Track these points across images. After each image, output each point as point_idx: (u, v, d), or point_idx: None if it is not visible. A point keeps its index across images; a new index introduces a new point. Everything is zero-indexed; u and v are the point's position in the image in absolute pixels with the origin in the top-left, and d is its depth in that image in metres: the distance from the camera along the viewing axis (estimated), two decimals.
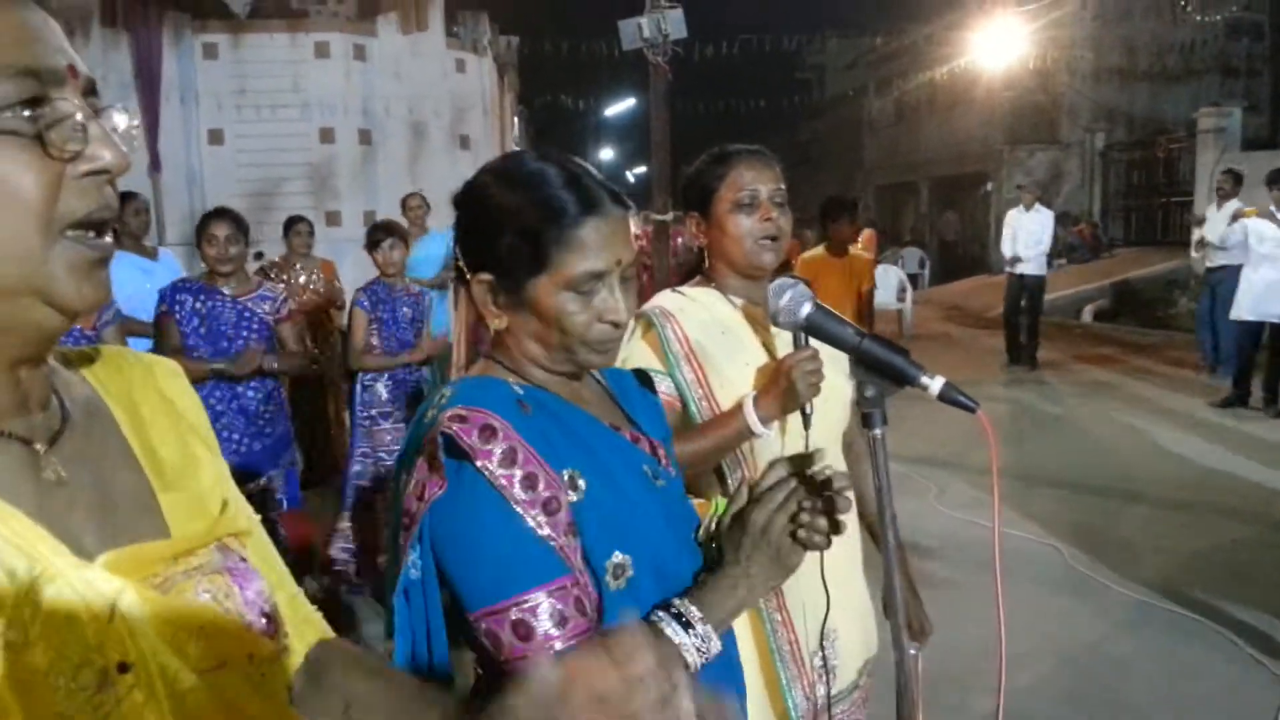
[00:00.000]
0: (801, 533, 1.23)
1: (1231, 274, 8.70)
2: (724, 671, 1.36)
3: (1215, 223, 9.18)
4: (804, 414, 1.74)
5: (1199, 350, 9.94)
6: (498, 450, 1.16)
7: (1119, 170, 20.34)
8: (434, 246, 6.90)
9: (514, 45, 15.88)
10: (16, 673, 0.65)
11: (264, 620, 0.85)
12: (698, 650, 1.19)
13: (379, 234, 4.98)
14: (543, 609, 1.14)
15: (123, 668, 0.71)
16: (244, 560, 0.87)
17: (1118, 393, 9.35)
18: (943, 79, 20.64)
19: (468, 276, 1.30)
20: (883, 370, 1.30)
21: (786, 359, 1.75)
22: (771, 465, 1.27)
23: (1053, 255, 12.32)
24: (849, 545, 1.97)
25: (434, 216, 7.67)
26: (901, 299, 13.07)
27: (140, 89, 10.95)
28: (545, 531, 1.16)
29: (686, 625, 1.20)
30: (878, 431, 1.31)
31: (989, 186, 21.81)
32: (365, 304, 4.87)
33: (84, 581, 0.71)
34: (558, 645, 1.14)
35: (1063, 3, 19.50)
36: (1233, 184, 9.33)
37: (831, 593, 1.59)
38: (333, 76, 11.55)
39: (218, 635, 0.80)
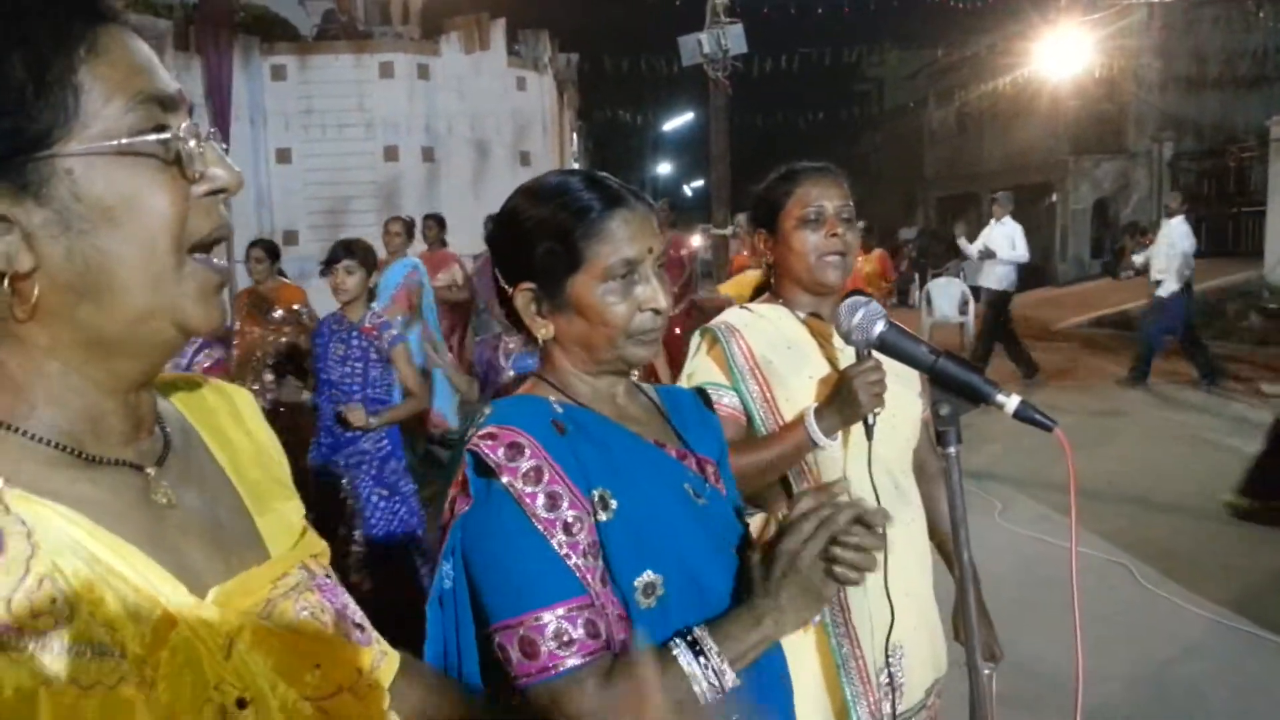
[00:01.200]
0: (838, 569, 1.20)
1: None
2: (768, 691, 1.36)
3: None
4: (866, 425, 1.74)
5: None
6: (523, 467, 1.20)
7: (1188, 180, 19.91)
8: (388, 275, 6.70)
9: (573, 62, 16.01)
10: (154, 711, 0.67)
11: (359, 630, 0.88)
12: (709, 682, 1.18)
13: (335, 251, 4.27)
14: (550, 628, 1.16)
15: (241, 703, 0.73)
16: (329, 576, 0.90)
17: (1187, 406, 9.13)
18: (1006, 89, 20.39)
19: (509, 292, 1.34)
20: (958, 389, 1.30)
21: (848, 370, 1.75)
22: (799, 496, 1.27)
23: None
24: (918, 561, 1.96)
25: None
26: (964, 312, 12.89)
27: (211, 110, 11.23)
28: (563, 551, 1.18)
29: (700, 654, 1.19)
30: (952, 450, 1.31)
31: (1054, 197, 21.47)
32: (317, 339, 4.32)
33: (202, 621, 0.73)
34: (563, 666, 1.16)
35: (1129, 11, 19.17)
36: None
37: (900, 608, 1.58)
38: (397, 96, 11.75)
39: (332, 662, 0.82)
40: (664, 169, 40.29)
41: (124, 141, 0.72)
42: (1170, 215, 10.16)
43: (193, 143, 0.76)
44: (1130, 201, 20.32)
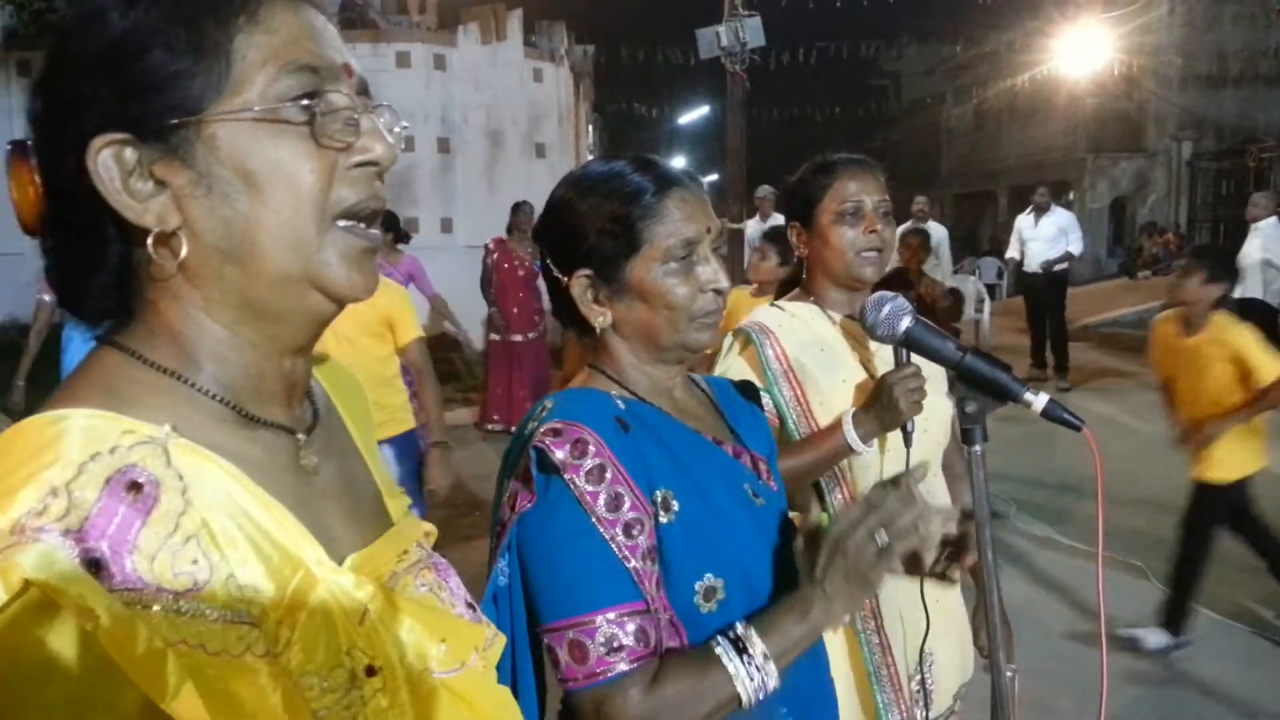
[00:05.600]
0: (888, 556, 1.15)
1: None
2: (814, 695, 1.34)
3: None
4: (905, 432, 1.70)
5: None
6: (587, 465, 1.17)
7: (1207, 179, 19.79)
8: None
9: (590, 54, 15.98)
10: (277, 675, 0.68)
11: (469, 609, 0.89)
12: (752, 680, 1.14)
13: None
14: (601, 632, 1.14)
15: (370, 671, 0.73)
16: (441, 556, 0.92)
17: None
18: (1024, 86, 20.27)
19: (564, 281, 1.31)
20: (985, 387, 1.27)
21: (888, 375, 1.71)
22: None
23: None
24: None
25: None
26: (979, 310, 12.83)
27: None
28: (622, 554, 1.16)
29: (743, 653, 1.15)
30: (978, 448, 1.28)
31: (1071, 196, 21.36)
32: None
33: (339, 586, 0.74)
34: (611, 672, 1.13)
35: (1149, 8, 19.04)
36: None
37: (931, 614, 1.55)
38: (413, 86, 11.73)
39: (456, 638, 0.83)
40: (679, 162, 40.07)
41: (260, 108, 0.73)
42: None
43: (344, 113, 0.76)
44: (1148, 201, 20.20)
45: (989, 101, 23.97)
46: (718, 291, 1.30)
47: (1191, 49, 20.19)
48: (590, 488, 1.16)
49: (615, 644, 1.13)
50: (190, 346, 0.76)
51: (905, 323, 1.33)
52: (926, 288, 6.40)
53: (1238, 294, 9.57)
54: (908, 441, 1.68)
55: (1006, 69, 21.16)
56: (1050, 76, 19.58)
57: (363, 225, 0.79)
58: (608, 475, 1.17)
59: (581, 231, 1.29)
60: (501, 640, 0.93)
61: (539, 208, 1.42)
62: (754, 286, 5.00)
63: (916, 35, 22.45)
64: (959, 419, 1.31)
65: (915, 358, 1.62)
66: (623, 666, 1.13)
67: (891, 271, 5.07)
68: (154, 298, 0.76)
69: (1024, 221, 10.75)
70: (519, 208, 8.21)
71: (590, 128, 18.95)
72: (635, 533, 1.17)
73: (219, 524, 0.69)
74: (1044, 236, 10.46)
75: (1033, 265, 10.60)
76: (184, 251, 0.73)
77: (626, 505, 1.17)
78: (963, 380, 1.29)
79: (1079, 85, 20.13)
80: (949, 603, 1.92)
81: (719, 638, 1.18)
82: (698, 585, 1.22)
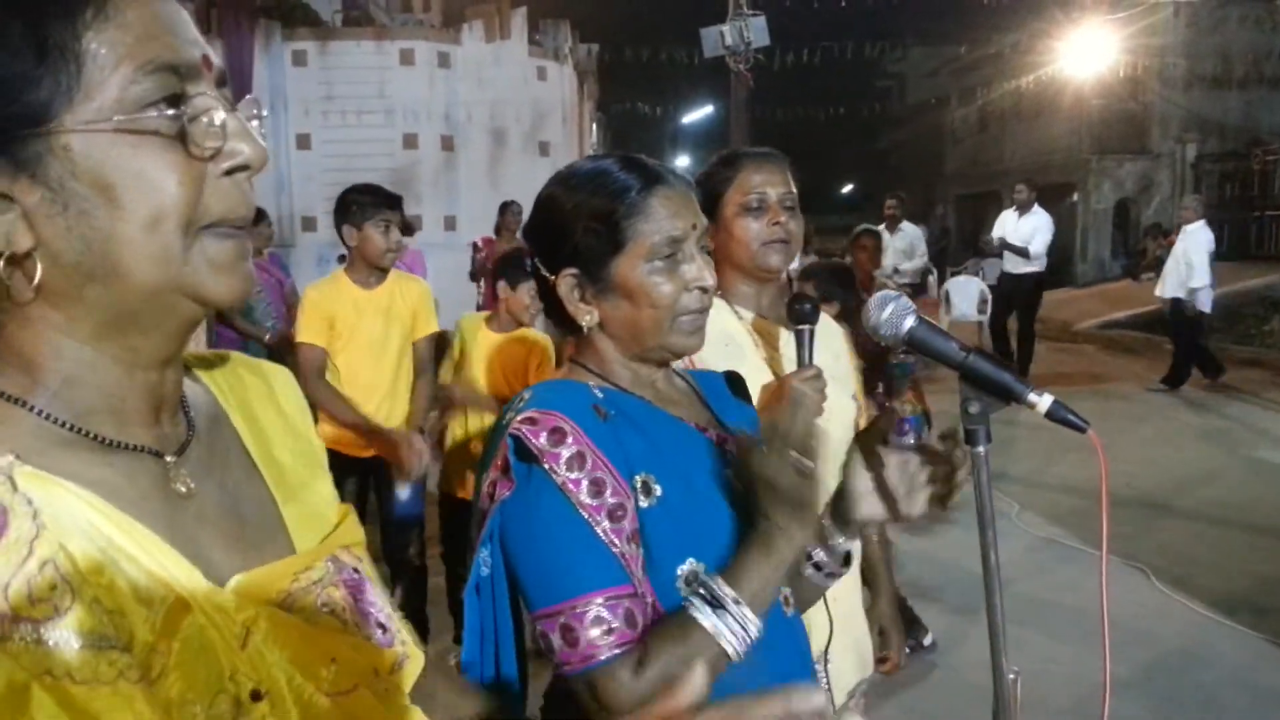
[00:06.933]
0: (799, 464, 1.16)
1: None
2: (791, 662, 1.34)
3: None
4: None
5: None
6: (565, 453, 1.17)
7: (1211, 182, 19.71)
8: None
9: (594, 53, 15.97)
10: (154, 703, 0.63)
11: (380, 630, 0.84)
12: (734, 634, 1.15)
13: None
14: (590, 616, 1.14)
15: (256, 696, 0.69)
16: (357, 571, 0.86)
17: (1208, 411, 9.06)
18: (1029, 87, 20.24)
19: (551, 280, 1.32)
20: (988, 387, 1.26)
21: (789, 378, 1.72)
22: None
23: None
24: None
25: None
26: (983, 311, 12.80)
27: (232, 94, 11.20)
28: (608, 538, 1.16)
29: (719, 607, 1.16)
30: (981, 449, 1.27)
31: (1075, 197, 21.31)
32: None
33: (218, 609, 0.69)
34: (600, 656, 1.14)
35: (1154, 10, 18.97)
36: None
37: (826, 618, 1.56)
38: (417, 83, 11.72)
39: (349, 658, 0.78)
40: (683, 161, 40.18)
41: (121, 119, 0.66)
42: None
43: (210, 116, 0.69)
44: (1152, 203, 20.14)
45: (993, 103, 23.90)
46: (703, 289, 1.30)
47: (1196, 51, 20.12)
48: (572, 475, 1.17)
49: (605, 627, 1.14)
50: (39, 371, 0.70)
51: (909, 323, 1.32)
52: (880, 289, 6.35)
53: (1170, 294, 9.79)
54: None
55: (1011, 70, 21.11)
56: (1055, 78, 19.54)
57: (230, 227, 0.73)
58: (587, 462, 1.17)
59: (567, 230, 1.29)
60: (416, 662, 0.88)
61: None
62: None
63: (921, 36, 22.44)
64: (963, 419, 1.30)
65: (818, 358, 1.67)
66: (613, 650, 1.14)
67: (833, 265, 5.02)
68: (1, 321, 0.69)
69: (1007, 218, 10.70)
70: (507, 207, 8.21)
71: (594, 126, 18.93)
72: (619, 517, 1.17)
73: (78, 547, 0.64)
74: (1022, 235, 10.43)
75: (1009, 263, 10.58)
76: (38, 274, 0.67)
77: (608, 491, 1.17)
78: (966, 380, 1.28)
79: (1084, 87, 20.07)
80: (848, 604, 1.93)
81: (690, 597, 1.18)
82: (680, 570, 1.22)
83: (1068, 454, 6.63)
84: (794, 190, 1.95)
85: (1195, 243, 9.73)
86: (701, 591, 1.18)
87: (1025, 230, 10.38)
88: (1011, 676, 1.31)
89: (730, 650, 1.15)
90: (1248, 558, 5.27)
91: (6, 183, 0.65)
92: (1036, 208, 10.54)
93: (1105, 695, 1.30)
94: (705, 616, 1.15)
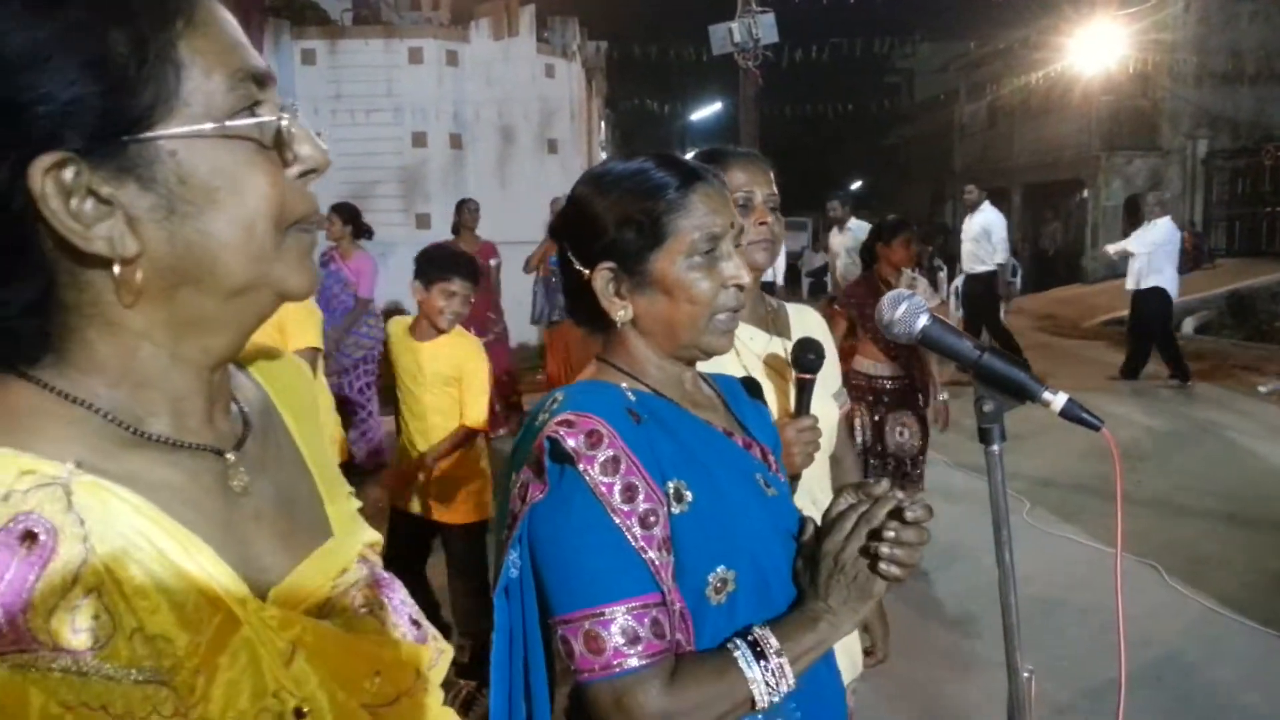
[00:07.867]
0: (881, 564, 1.19)
1: None
2: (824, 693, 1.34)
3: None
4: (793, 480, 1.71)
5: None
6: (601, 456, 1.16)
7: (1222, 178, 19.64)
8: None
9: (602, 50, 15.97)
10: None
11: (414, 627, 0.85)
12: (768, 685, 1.16)
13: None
14: (616, 624, 1.13)
15: (299, 714, 0.70)
16: (385, 570, 0.87)
17: (1220, 408, 9.02)
18: (1038, 83, 20.16)
19: (586, 275, 1.31)
20: (1002, 385, 1.26)
21: (786, 429, 1.70)
22: (840, 492, 1.27)
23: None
24: None
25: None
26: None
27: None
28: (639, 545, 1.16)
29: (761, 656, 1.17)
30: (995, 448, 1.27)
31: (1085, 194, 21.24)
32: None
33: (264, 625, 0.70)
34: (628, 664, 1.13)
35: (1165, 5, 18.90)
36: None
37: None
38: (425, 82, 11.74)
39: (392, 668, 0.79)
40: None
41: (228, 124, 0.69)
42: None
43: (290, 121, 0.74)
44: (1163, 199, 20.06)
45: (1003, 99, 23.82)
46: (740, 287, 1.30)
47: (1207, 46, 20.01)
48: (605, 479, 1.16)
49: (632, 635, 1.13)
50: (112, 374, 0.71)
51: (922, 321, 1.32)
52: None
53: (1145, 285, 9.87)
54: (792, 490, 1.62)
55: (1021, 66, 21.03)
56: (1065, 74, 19.46)
57: (307, 224, 0.77)
58: (622, 466, 1.17)
59: (605, 225, 1.29)
60: (448, 655, 0.89)
61: (546, 203, 1.42)
62: None
63: (930, 32, 22.37)
64: (977, 418, 1.29)
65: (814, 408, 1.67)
66: (640, 660, 1.13)
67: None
68: (79, 326, 0.69)
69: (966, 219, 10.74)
70: (463, 205, 8.04)
71: (602, 124, 18.94)
72: (651, 523, 1.17)
73: (125, 571, 0.64)
74: (970, 236, 10.49)
75: (967, 264, 10.63)
76: (139, 279, 0.68)
77: (641, 496, 1.17)
78: (980, 379, 1.27)
79: (1093, 83, 19.99)
80: None
81: (737, 640, 1.19)
82: (710, 577, 1.22)
83: (1080, 452, 6.61)
84: (776, 192, 1.94)
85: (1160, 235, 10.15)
86: (750, 638, 1.19)
87: (975, 228, 10.44)
88: (1026, 675, 1.31)
89: (760, 701, 1.16)
90: (1260, 555, 5.24)
91: (112, 188, 0.66)
92: (986, 205, 10.57)
93: (1120, 693, 1.30)
94: (748, 665, 1.17)
